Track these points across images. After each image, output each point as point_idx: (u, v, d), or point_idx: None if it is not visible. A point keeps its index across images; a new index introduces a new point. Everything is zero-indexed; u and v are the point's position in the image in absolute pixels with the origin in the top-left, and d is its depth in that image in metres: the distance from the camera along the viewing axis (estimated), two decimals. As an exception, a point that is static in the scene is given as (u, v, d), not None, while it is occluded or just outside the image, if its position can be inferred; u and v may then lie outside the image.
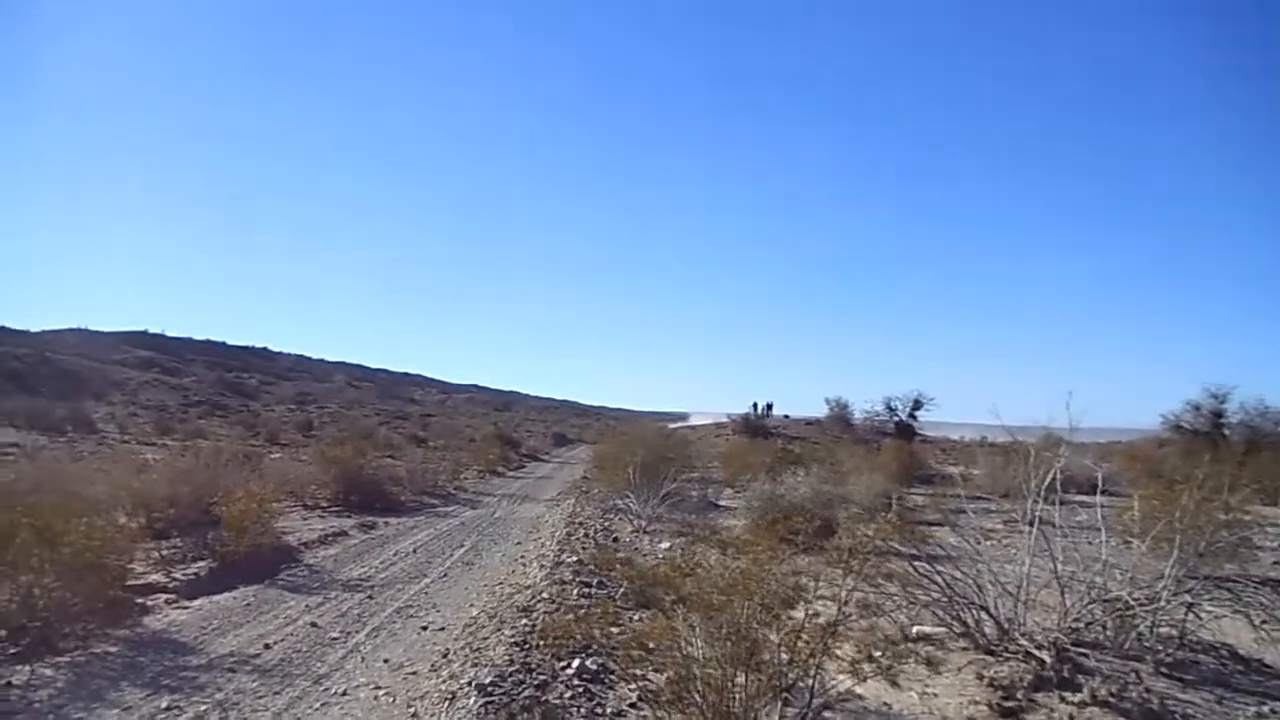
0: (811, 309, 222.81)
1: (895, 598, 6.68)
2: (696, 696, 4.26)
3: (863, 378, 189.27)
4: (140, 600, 8.33)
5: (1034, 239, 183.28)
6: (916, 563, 7.13)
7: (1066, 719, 5.41)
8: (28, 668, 6.20)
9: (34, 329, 72.88)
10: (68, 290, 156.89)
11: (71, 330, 75.08)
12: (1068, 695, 5.66)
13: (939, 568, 7.12)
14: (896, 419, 41.50)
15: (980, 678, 6.03)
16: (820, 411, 44.94)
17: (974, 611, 6.74)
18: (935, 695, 5.80)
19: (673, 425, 37.89)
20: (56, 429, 29.17)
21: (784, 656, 4.38)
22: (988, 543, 10.60)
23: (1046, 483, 7.33)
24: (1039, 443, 8.79)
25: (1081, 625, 6.55)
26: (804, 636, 4.33)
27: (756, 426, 41.98)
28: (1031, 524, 7.24)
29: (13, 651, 6.46)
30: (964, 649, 6.64)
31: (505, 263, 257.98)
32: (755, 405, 46.17)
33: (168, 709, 5.65)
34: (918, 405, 41.40)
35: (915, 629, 6.92)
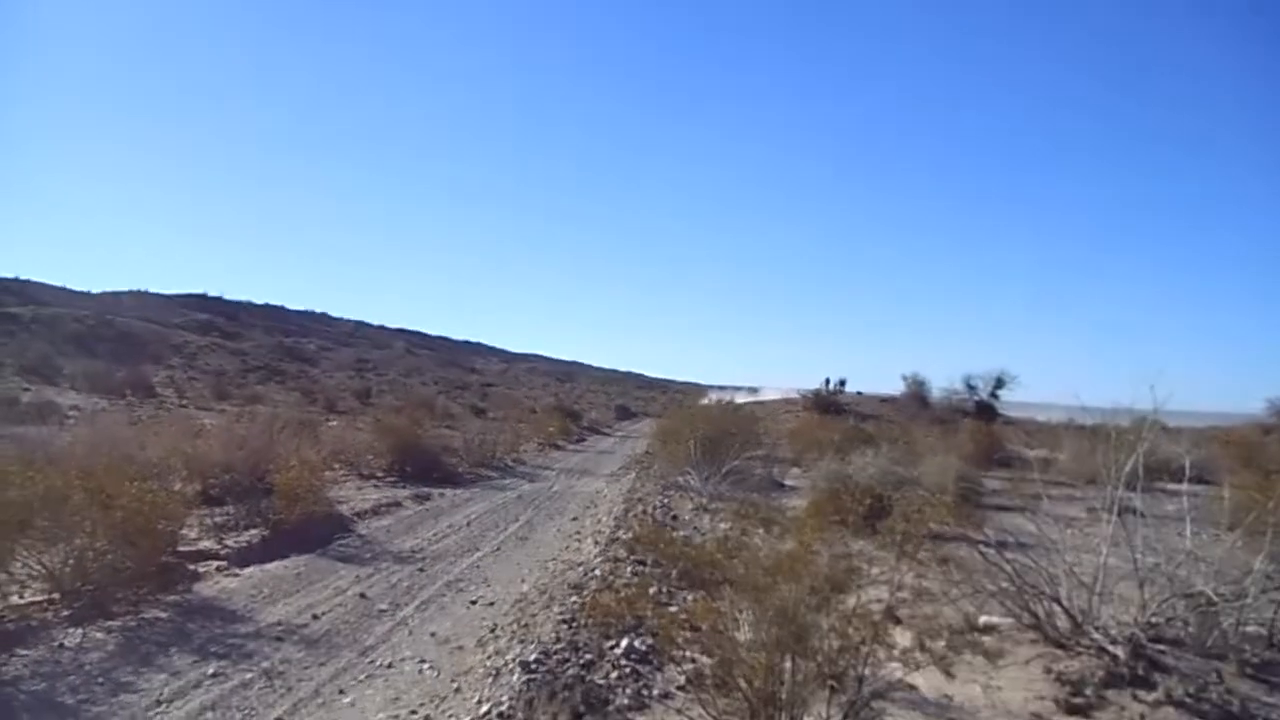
0: (890, 283, 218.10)
1: (961, 585, 6.62)
2: (742, 682, 4.32)
3: (942, 355, 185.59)
4: (192, 566, 8.76)
5: (1133, 210, 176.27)
6: (985, 549, 7.05)
7: (1138, 718, 5.32)
8: (80, 630, 6.59)
9: (94, 290, 76.39)
10: (128, 253, 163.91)
11: (131, 293, 78.45)
12: (1141, 693, 5.56)
13: (1009, 555, 7.03)
14: (977, 398, 40.64)
15: (1048, 672, 5.96)
16: (896, 389, 44.32)
17: (1045, 603, 6.65)
18: (999, 688, 5.75)
19: (740, 400, 37.69)
20: (116, 392, 30.53)
21: (834, 643, 4.41)
22: (1067, 531, 10.38)
23: (1129, 468, 7.15)
24: (1128, 426, 8.55)
25: (1161, 621, 6.40)
26: (855, 622, 4.35)
27: (827, 403, 41.64)
28: (1112, 512, 7.08)
29: (66, 614, 6.87)
30: (1032, 641, 6.56)
31: (570, 231, 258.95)
32: (827, 381, 45.79)
33: (214, 675, 5.95)
34: (1000, 384, 40.45)
35: (982, 619, 6.87)
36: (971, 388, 41.10)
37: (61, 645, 6.29)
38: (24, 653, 6.09)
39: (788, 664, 4.32)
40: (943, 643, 4.82)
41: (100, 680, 5.77)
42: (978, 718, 5.39)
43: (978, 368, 42.44)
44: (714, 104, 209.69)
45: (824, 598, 4.54)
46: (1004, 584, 6.76)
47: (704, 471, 15.94)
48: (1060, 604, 6.57)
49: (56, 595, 7.07)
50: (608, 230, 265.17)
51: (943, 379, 44.03)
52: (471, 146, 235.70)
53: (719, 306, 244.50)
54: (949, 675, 4.79)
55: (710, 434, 17.40)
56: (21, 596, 7.05)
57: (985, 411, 38.77)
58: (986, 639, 6.12)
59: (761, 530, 6.03)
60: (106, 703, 5.42)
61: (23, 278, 66.24)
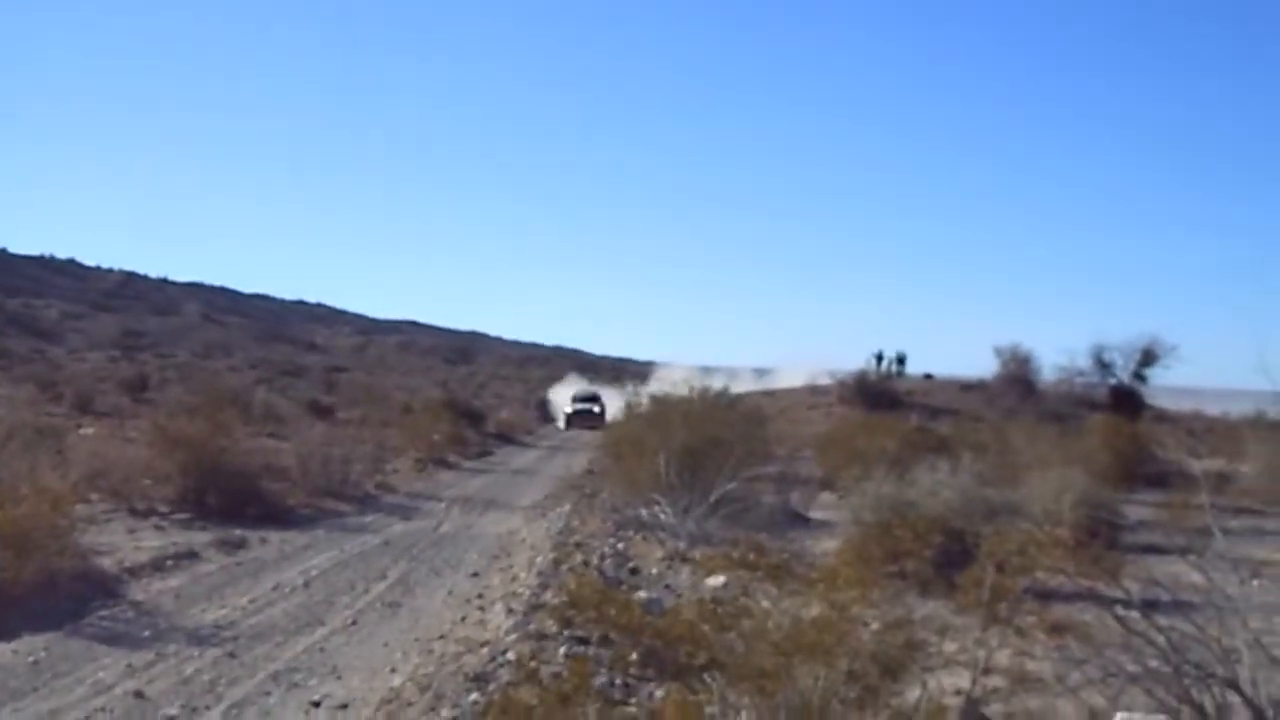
0: (976, 213, 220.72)
1: (1085, 666, 6.69)
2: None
3: (1058, 317, 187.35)
4: None
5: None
6: (1124, 611, 7.12)
7: None
8: None
9: None
10: None
11: None
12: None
13: (1162, 620, 7.12)
14: (1113, 381, 41.18)
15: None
16: (985, 369, 44.74)
17: (1217, 690, 6.74)
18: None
19: (740, 388, 37.73)
20: None
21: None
22: (1254, 583, 10.59)
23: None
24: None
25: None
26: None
27: (877, 392, 42.06)
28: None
29: None
30: (1197, 751, 6.67)
31: (461, 140, 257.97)
32: (879, 358, 46.31)
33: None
34: (1149, 360, 40.95)
35: (1118, 717, 6.96)
36: (1105, 366, 41.56)
37: None
38: None
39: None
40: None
41: None
42: None
43: (1114, 335, 42.61)
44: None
45: (869, 688, 4.56)
46: (1153, 663, 6.84)
47: (681, 501, 15.93)
48: (1240, 691, 6.67)
49: None
50: (524, 145, 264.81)
51: (1059, 353, 44.32)
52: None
53: (703, 249, 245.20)
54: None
55: (691, 443, 17.40)
56: None
57: (1126, 402, 39.17)
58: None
59: (771, 587, 6.04)
60: None
61: None
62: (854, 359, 47.45)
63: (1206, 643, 6.90)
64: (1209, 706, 6.75)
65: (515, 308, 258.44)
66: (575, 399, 58.41)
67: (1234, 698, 6.71)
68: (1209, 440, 31.65)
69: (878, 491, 14.54)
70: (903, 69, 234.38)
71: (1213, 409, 40.53)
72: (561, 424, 56.96)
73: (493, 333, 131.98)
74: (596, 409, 53.35)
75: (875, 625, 4.84)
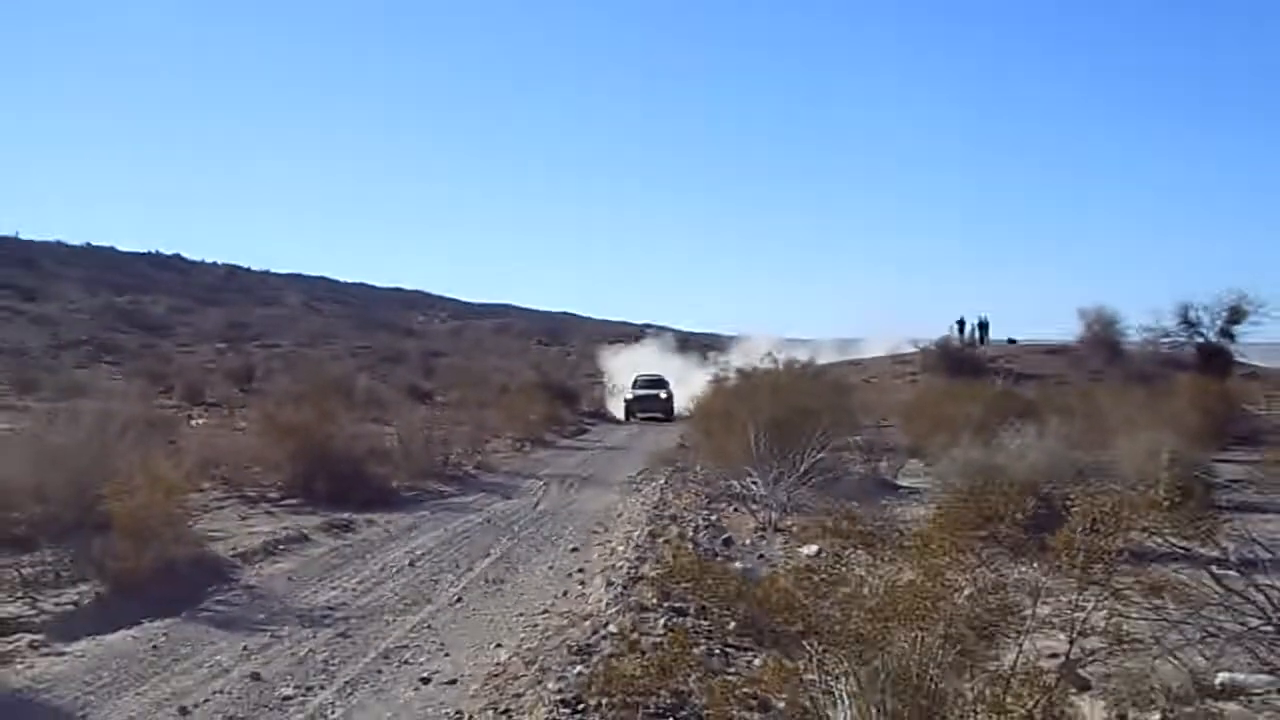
0: (1057, 177, 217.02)
1: (1184, 627, 6.57)
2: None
3: (1144, 278, 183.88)
4: (-10, 644, 8.82)
5: None
6: (1220, 570, 6.98)
7: None
8: None
9: None
10: None
11: None
12: None
13: (1262, 580, 6.96)
14: (1200, 340, 40.37)
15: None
16: (1070, 332, 44.11)
17: (1319, 649, 6.59)
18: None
19: (824, 360, 37.56)
20: None
21: (985, 720, 4.38)
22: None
23: None
24: None
25: None
26: (1015, 688, 4.31)
27: (962, 359, 41.70)
28: None
29: None
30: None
31: (551, 129, 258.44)
32: (961, 325, 45.79)
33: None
34: (1238, 317, 40.12)
35: (1220, 676, 6.83)
36: (1191, 325, 40.80)
37: None
38: None
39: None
40: (1158, 716, 4.79)
41: None
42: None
43: (1200, 294, 41.81)
44: None
45: (966, 651, 4.51)
46: (1254, 621, 6.69)
47: (771, 472, 15.91)
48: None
49: None
50: (610, 125, 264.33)
51: (1144, 314, 43.73)
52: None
53: (784, 223, 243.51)
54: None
55: (779, 415, 17.34)
56: None
57: (1215, 360, 38.48)
58: (1229, 707, 6.09)
59: (865, 555, 5.98)
60: None
61: None
62: (937, 327, 47.10)
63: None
64: (1311, 663, 6.61)
65: (606, 286, 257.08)
66: (637, 383, 48.59)
67: (1337, 655, 6.56)
68: (1303, 396, 30.80)
69: (965, 457, 14.41)
70: (971, 41, 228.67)
71: (1306, 365, 39.61)
72: (621, 413, 47.47)
73: (581, 312, 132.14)
74: (663, 394, 46.05)
75: (969, 590, 4.78)
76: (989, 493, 9.18)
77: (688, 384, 42.63)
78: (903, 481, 18.98)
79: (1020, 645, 4.59)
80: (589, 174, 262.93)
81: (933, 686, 4.27)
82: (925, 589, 4.54)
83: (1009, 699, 4.36)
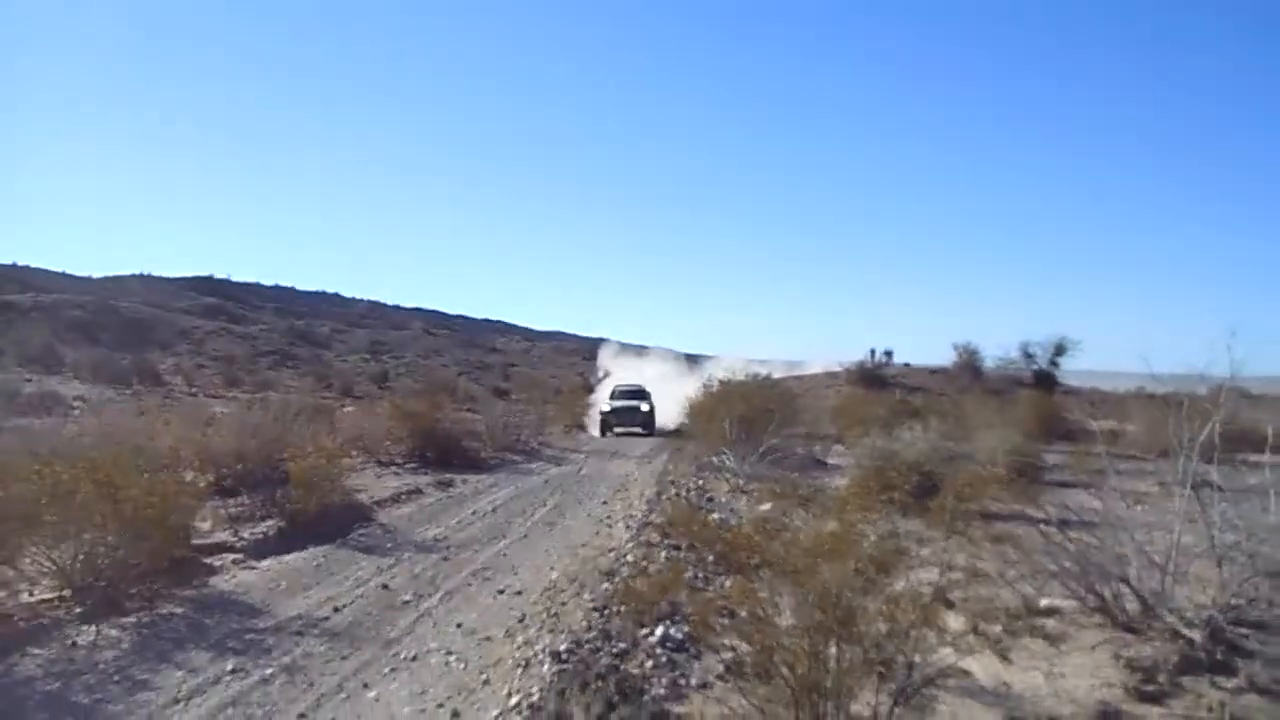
0: (939, 244, 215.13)
1: (1019, 566, 6.58)
2: (783, 669, 4.32)
3: (997, 322, 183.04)
4: (207, 560, 8.92)
5: (1200, 156, 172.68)
6: (1045, 527, 7.00)
7: (1217, 705, 5.26)
8: (93, 628, 6.73)
9: (96, 275, 77.57)
10: (130, 236, 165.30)
11: (135, 276, 79.58)
12: (1221, 680, 5.50)
13: (1073, 534, 6.97)
14: (1035, 367, 40.15)
15: (1117, 658, 5.91)
16: (947, 359, 43.91)
17: (1112, 584, 6.59)
18: (1063, 676, 5.72)
19: (778, 374, 37.47)
20: (122, 381, 31.11)
21: (881, 627, 4.40)
22: (1136, 507, 10.28)
23: (1204, 438, 7.02)
24: (1207, 394, 8.36)
25: (1242, 602, 6.31)
26: (903, 605, 4.34)
27: (872, 376, 41.43)
28: (1186, 486, 6.96)
29: (78, 611, 7.00)
30: (1099, 626, 6.52)
31: (589, 199, 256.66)
32: (872, 352, 45.39)
33: (233, 671, 6.07)
34: (1060, 351, 39.87)
35: (1043, 601, 6.82)
36: (1029, 356, 40.58)
37: (74, 643, 6.42)
38: (36, 652, 6.22)
39: (832, 650, 4.32)
40: (999, 627, 4.80)
41: (116, 678, 5.88)
42: (1040, 706, 5.36)
43: (1036, 334, 41.62)
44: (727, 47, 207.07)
45: (869, 579, 4.53)
46: (1067, 564, 6.70)
47: (741, 451, 15.97)
48: (1129, 585, 6.51)
49: (68, 592, 7.21)
50: (628, 199, 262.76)
51: (997, 348, 43.51)
52: (478, 115, 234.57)
53: (749, 273, 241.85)
54: (1006, 661, 4.76)
55: (747, 412, 17.39)
56: (32, 594, 7.21)
57: (1044, 382, 38.35)
58: (1048, 623, 6.10)
59: (801, 510, 6.02)
60: (123, 702, 5.54)
61: (21, 263, 67.70)
62: (857, 353, 46.91)
63: (1104, 550, 6.76)
64: (1107, 595, 6.61)
65: (630, 316, 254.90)
66: (615, 394, 32.21)
67: (1124, 589, 6.55)
68: (1103, 408, 30.69)
69: (873, 444, 14.40)
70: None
71: (1106, 385, 39.52)
72: (595, 429, 30.30)
73: (612, 337, 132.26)
74: (645, 406, 30.32)
75: (873, 537, 4.81)
76: (888, 469, 9.24)
77: (686, 390, 41.10)
78: (830, 460, 18.92)
79: (907, 576, 4.62)
80: (618, 218, 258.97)
81: (847, 603, 4.30)
82: (843, 535, 4.58)
83: (898, 612, 4.39)
